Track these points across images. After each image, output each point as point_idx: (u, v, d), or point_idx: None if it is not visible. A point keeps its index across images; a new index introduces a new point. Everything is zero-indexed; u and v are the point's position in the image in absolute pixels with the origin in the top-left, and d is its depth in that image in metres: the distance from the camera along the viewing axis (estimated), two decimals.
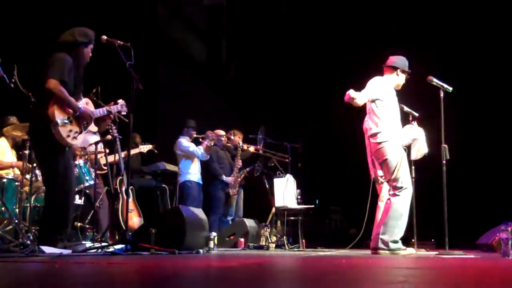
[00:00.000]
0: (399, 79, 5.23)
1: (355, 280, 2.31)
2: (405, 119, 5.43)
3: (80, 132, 4.35)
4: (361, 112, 5.20)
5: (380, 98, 5.05)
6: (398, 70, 5.20)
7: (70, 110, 4.25)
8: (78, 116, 4.30)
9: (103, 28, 4.63)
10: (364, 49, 8.98)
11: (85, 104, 4.46)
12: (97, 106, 4.76)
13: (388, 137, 4.97)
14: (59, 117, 4.17)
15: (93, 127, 4.62)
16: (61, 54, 4.29)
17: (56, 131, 4.15)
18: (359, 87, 5.06)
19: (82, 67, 4.43)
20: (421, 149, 5.20)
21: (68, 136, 4.22)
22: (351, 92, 4.88)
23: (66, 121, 4.22)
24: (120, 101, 4.76)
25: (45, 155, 4.33)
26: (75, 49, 4.36)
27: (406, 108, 5.56)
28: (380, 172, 5.17)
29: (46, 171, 4.44)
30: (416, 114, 5.58)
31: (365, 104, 5.10)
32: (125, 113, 4.82)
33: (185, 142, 7.37)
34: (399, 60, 5.25)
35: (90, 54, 4.50)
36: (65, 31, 4.42)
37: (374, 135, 5.02)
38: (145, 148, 6.76)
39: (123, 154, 5.82)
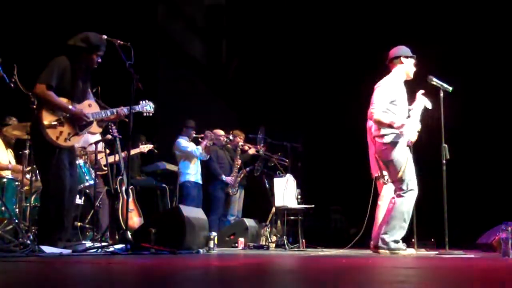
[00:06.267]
0: (406, 66, 5.09)
1: (355, 280, 2.31)
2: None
3: (76, 134, 4.34)
4: (361, 111, 5.18)
5: (393, 101, 4.96)
6: (401, 58, 5.09)
7: (61, 112, 4.25)
8: (70, 118, 4.28)
9: (103, 28, 4.62)
10: (363, 48, 8.96)
11: (87, 106, 4.43)
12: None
13: (395, 139, 4.89)
14: (47, 119, 4.20)
15: (96, 129, 4.58)
16: (59, 58, 4.30)
17: (45, 132, 4.18)
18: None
19: (83, 71, 4.39)
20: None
21: (58, 138, 4.22)
22: (375, 115, 4.87)
23: (55, 123, 4.22)
24: (144, 102, 4.76)
25: (38, 156, 4.42)
26: (75, 53, 4.34)
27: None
28: (384, 172, 5.13)
29: (39, 171, 4.53)
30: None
31: (369, 103, 5.03)
32: (149, 114, 4.83)
33: (183, 142, 7.36)
34: (399, 49, 5.15)
35: (99, 60, 4.42)
36: (79, 34, 4.40)
37: (381, 135, 4.93)
38: (145, 147, 6.75)
39: (123, 154, 5.82)
